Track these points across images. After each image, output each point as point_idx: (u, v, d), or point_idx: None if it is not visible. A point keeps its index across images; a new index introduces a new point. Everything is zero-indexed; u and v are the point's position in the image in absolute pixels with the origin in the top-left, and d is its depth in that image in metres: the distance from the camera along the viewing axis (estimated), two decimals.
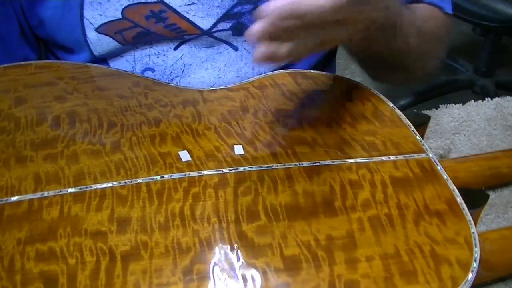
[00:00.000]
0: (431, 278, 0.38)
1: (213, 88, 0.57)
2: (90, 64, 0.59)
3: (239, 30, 0.59)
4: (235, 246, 0.40)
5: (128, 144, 0.48)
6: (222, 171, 0.45)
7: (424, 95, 1.67)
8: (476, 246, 0.40)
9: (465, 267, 0.39)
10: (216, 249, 0.39)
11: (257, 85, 0.57)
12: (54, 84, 0.55)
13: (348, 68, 1.78)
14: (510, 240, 0.75)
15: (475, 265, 0.39)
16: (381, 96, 0.56)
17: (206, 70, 0.61)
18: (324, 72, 0.59)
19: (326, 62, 0.70)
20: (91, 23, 0.57)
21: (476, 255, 0.40)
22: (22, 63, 0.58)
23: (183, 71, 0.61)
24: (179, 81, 0.61)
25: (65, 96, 0.53)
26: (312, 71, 0.60)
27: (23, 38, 0.61)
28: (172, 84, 0.57)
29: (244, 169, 0.46)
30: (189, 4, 0.56)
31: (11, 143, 0.47)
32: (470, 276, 0.39)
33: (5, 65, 0.57)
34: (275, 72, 0.59)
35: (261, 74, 0.59)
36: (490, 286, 0.78)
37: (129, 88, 0.55)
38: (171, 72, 0.60)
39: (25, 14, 0.59)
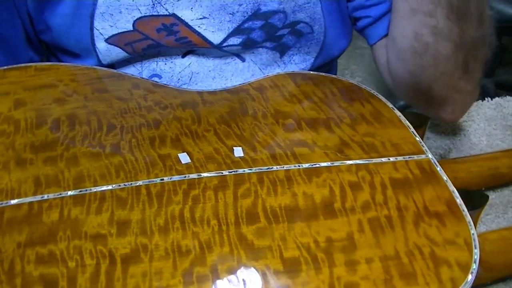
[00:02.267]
0: (431, 280, 0.38)
1: (213, 90, 0.57)
2: (90, 66, 0.59)
3: (248, 45, 0.59)
4: (235, 248, 0.40)
5: (128, 147, 0.48)
6: (222, 173, 0.45)
7: None
8: (476, 248, 0.40)
9: (465, 269, 0.39)
10: (216, 252, 0.39)
11: (256, 86, 0.57)
12: (53, 86, 0.55)
13: (348, 68, 1.78)
14: (510, 241, 0.75)
15: (474, 266, 0.39)
16: (381, 96, 0.55)
17: (214, 79, 0.61)
18: (323, 73, 0.59)
19: (326, 62, 0.70)
20: (101, 34, 0.56)
21: (475, 257, 0.40)
22: (22, 65, 0.58)
23: (190, 79, 0.60)
24: (187, 88, 0.61)
25: (65, 99, 0.53)
26: (311, 72, 0.60)
27: (28, 42, 0.61)
28: (171, 86, 0.57)
29: (244, 171, 0.46)
30: (200, 18, 0.56)
31: (10, 146, 0.47)
32: (470, 277, 0.39)
33: (5, 67, 0.57)
34: (275, 73, 0.59)
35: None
36: (490, 287, 0.78)
37: (128, 90, 0.55)
38: (179, 79, 0.60)
39: (31, 19, 0.58)
